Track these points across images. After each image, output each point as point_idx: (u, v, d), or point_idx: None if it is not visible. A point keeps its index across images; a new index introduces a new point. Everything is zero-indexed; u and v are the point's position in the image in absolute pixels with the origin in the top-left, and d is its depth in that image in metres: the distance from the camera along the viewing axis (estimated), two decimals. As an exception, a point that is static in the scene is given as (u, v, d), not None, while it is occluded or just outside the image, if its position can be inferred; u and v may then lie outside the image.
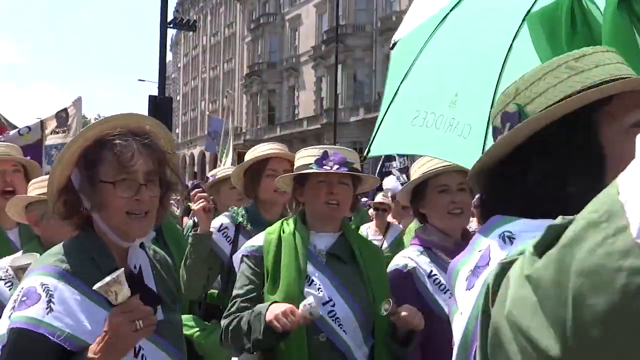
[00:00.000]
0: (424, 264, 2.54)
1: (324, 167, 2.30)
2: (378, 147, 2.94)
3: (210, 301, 3.24)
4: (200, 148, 57.01)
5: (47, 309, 1.53)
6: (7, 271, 2.39)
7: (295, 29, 50.18)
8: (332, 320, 2.20)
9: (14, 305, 1.56)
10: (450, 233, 2.59)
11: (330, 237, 2.38)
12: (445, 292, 2.51)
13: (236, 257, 2.47)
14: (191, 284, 2.94)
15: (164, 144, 1.78)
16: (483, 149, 2.41)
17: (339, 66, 33.84)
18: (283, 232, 2.36)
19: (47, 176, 2.66)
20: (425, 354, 2.45)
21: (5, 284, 2.37)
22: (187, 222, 4.58)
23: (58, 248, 1.72)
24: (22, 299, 1.55)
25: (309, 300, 2.07)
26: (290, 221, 2.42)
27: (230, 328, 2.23)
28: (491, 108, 2.33)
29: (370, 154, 2.91)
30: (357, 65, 42.28)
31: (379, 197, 6.70)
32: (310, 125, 44.89)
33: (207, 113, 49.53)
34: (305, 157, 2.41)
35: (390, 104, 2.87)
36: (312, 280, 2.25)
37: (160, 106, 17.58)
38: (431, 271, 2.52)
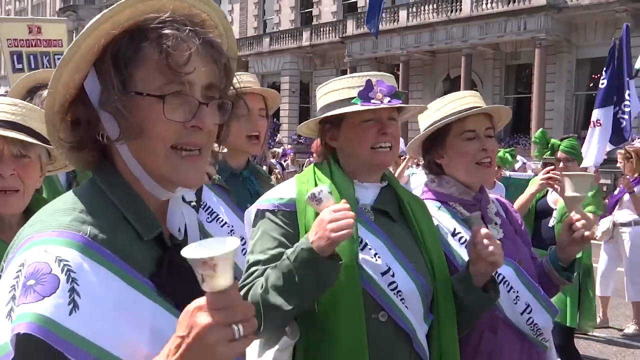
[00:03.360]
0: (446, 220, 2.17)
1: (372, 101, 1.75)
2: None
3: None
4: (4, 88, 51.35)
5: (70, 304, 0.91)
6: None
7: (117, -38, 46.34)
8: (394, 294, 1.72)
9: (13, 294, 0.92)
10: (471, 185, 2.24)
11: (375, 189, 1.87)
12: None
13: (249, 213, 1.85)
14: None
15: (225, 45, 1.16)
16: None
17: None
18: (319, 182, 1.81)
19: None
20: None
21: None
22: None
23: (69, 200, 1.07)
24: (29, 284, 0.91)
25: (316, 189, 1.62)
26: (324, 168, 1.87)
27: (256, 292, 1.60)
28: None
29: None
30: (186, 7, 40.31)
31: None
32: (134, 68, 42.17)
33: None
34: (342, 89, 1.82)
35: None
36: (366, 244, 1.74)
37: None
38: (454, 229, 2.16)
